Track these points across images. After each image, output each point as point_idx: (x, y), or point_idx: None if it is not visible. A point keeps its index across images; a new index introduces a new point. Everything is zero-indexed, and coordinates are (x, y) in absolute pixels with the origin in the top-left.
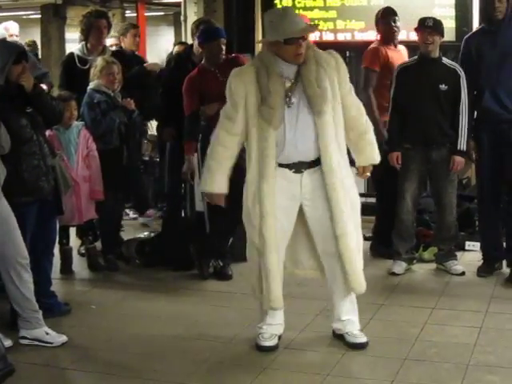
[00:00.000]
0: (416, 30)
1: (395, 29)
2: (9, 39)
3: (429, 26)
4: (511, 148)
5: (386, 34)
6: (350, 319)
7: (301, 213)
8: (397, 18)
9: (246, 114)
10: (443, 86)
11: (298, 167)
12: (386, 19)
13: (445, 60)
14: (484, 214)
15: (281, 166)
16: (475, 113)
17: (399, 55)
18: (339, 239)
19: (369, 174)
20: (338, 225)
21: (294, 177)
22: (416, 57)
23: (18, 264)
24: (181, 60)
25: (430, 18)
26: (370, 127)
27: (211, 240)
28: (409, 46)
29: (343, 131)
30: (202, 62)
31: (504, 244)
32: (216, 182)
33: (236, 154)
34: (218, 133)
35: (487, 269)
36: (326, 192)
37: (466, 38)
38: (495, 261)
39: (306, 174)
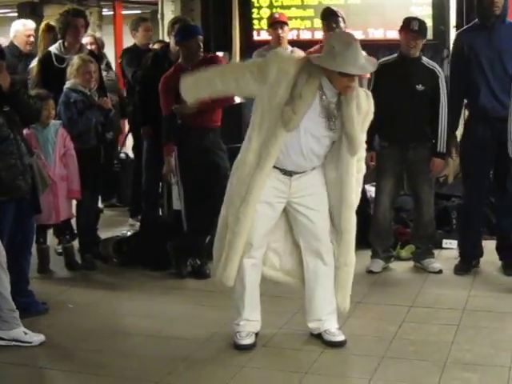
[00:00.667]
0: (400, 30)
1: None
2: (25, 37)
3: (414, 31)
4: (505, 146)
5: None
6: (328, 318)
7: (287, 216)
8: (339, 19)
9: (266, 98)
10: (420, 87)
11: (288, 173)
12: (326, 21)
13: (424, 60)
14: (466, 211)
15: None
16: (466, 110)
17: None
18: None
19: None
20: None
21: (284, 178)
22: (396, 55)
23: None
24: (158, 58)
25: (415, 19)
26: (362, 171)
27: (188, 238)
28: (387, 45)
29: None
30: (179, 60)
31: (482, 242)
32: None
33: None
34: (213, 77)
35: (464, 266)
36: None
37: (457, 33)
38: (473, 259)
39: (296, 176)
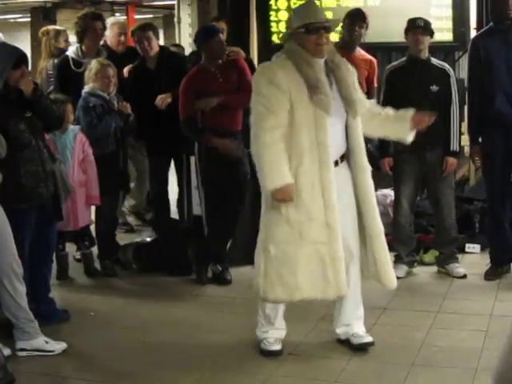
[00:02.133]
0: (406, 31)
1: (356, 33)
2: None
3: (419, 26)
4: None
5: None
6: (356, 322)
7: None
8: (364, 24)
9: (292, 106)
10: (434, 87)
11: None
12: (349, 20)
13: (434, 60)
14: (493, 216)
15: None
16: (485, 116)
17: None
18: (375, 239)
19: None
20: (372, 226)
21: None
22: (404, 58)
23: (12, 273)
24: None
25: (419, 18)
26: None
27: (209, 244)
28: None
29: None
30: (202, 62)
31: None
32: (283, 173)
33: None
34: (259, 136)
35: (495, 272)
36: (357, 190)
37: (473, 38)
38: (503, 263)
39: (339, 167)
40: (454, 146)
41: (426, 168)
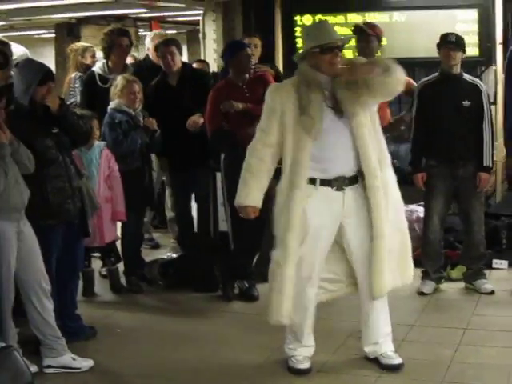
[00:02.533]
0: (438, 46)
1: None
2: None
3: (451, 42)
4: None
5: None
6: (384, 340)
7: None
8: (371, 38)
9: (282, 126)
10: (466, 103)
11: (339, 184)
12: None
13: (466, 76)
14: None
15: (322, 184)
16: None
17: None
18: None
19: None
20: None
21: (336, 195)
22: (437, 73)
23: (40, 290)
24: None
25: (452, 33)
26: None
27: (236, 260)
28: (433, 63)
29: (383, 137)
30: (230, 76)
31: None
32: (250, 194)
33: (272, 168)
34: (253, 145)
35: None
36: (369, 209)
37: (511, 49)
38: None
39: (348, 191)
40: (487, 162)
41: (457, 183)
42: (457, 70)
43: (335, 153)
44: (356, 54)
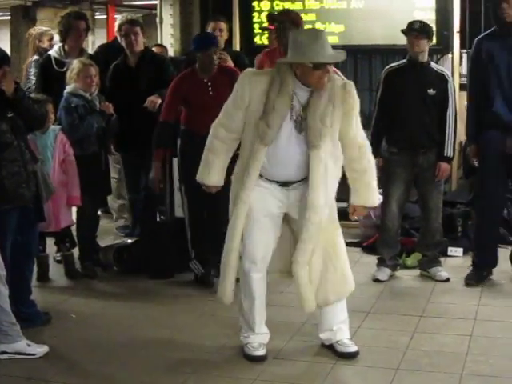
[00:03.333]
0: (404, 33)
1: None
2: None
3: (415, 29)
4: None
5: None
6: (340, 328)
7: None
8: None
9: (246, 118)
10: (431, 91)
11: (284, 184)
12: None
13: (433, 65)
14: (483, 221)
15: (267, 179)
16: (483, 117)
17: None
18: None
19: (358, 217)
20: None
21: (280, 189)
22: (404, 60)
23: None
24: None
25: (417, 21)
26: (371, 168)
27: (191, 245)
28: (390, 50)
29: (339, 166)
30: (196, 66)
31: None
32: (212, 174)
33: (233, 149)
34: (216, 127)
35: (477, 276)
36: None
37: (477, 39)
38: (486, 269)
39: (292, 188)
40: (448, 152)
41: (417, 171)
42: (423, 57)
43: (283, 163)
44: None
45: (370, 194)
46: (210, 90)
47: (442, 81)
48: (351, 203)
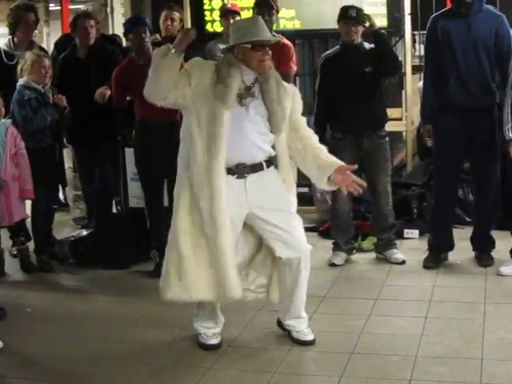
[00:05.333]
0: (338, 20)
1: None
2: None
3: (352, 17)
4: (479, 135)
5: None
6: (302, 317)
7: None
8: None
9: (192, 99)
10: (369, 69)
11: (240, 171)
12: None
13: (366, 44)
14: (438, 203)
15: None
16: (438, 98)
17: None
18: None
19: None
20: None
21: (237, 183)
22: (338, 46)
23: None
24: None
25: (352, 7)
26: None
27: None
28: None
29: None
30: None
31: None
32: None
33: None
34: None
35: (435, 260)
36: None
37: (433, 17)
38: (443, 251)
39: (250, 179)
40: None
41: (362, 154)
42: (357, 40)
43: (234, 141)
44: None
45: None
46: (146, 72)
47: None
48: (333, 179)
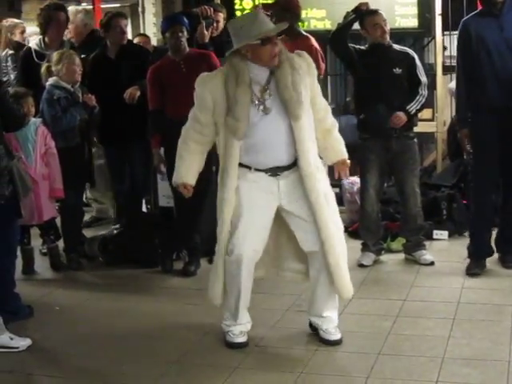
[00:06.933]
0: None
1: None
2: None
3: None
4: None
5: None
6: (330, 316)
7: (280, 215)
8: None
9: (215, 119)
10: (397, 70)
11: (273, 171)
12: None
13: (396, 46)
14: (478, 209)
15: (256, 170)
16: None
17: None
18: (324, 244)
19: (346, 176)
20: (321, 230)
21: (271, 179)
22: (367, 45)
23: None
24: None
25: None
26: (335, 125)
27: (176, 233)
28: None
29: (314, 132)
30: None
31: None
32: (180, 170)
33: (208, 149)
34: (188, 129)
35: (479, 266)
36: (307, 195)
37: (464, 20)
38: (486, 257)
39: (283, 176)
40: (412, 108)
41: (390, 156)
42: (386, 40)
43: (265, 148)
44: None
45: (342, 147)
46: (182, 68)
47: (407, 58)
48: (331, 162)
